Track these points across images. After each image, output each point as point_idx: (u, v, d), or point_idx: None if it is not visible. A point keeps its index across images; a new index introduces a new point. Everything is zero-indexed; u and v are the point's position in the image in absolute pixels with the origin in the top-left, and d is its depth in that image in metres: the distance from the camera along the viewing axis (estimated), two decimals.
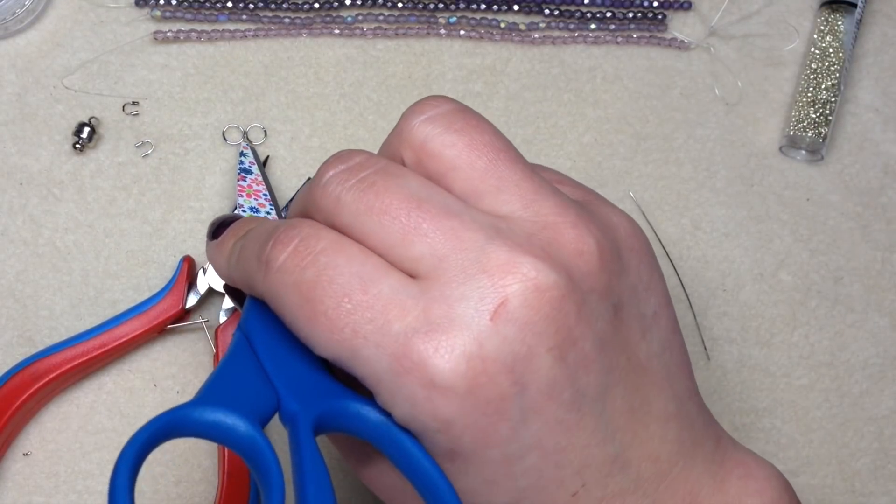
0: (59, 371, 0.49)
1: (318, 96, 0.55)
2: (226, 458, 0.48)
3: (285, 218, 0.41)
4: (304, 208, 0.37)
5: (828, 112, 0.55)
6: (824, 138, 0.55)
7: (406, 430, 0.35)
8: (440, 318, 0.33)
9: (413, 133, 0.36)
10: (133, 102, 0.54)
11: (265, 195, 0.52)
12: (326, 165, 0.37)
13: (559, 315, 0.34)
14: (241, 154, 0.53)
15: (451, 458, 0.35)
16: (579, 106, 0.56)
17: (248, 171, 0.52)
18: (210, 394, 0.35)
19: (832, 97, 0.55)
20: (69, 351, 0.49)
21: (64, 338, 0.51)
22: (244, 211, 0.51)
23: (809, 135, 0.55)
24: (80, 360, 0.49)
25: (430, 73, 0.56)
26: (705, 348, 0.53)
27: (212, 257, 0.41)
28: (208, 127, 0.54)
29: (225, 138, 0.54)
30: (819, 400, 0.53)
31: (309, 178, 0.54)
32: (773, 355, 0.53)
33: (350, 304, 0.34)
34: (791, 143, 0.55)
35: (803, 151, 0.55)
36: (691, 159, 0.55)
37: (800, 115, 0.55)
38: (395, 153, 0.37)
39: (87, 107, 0.54)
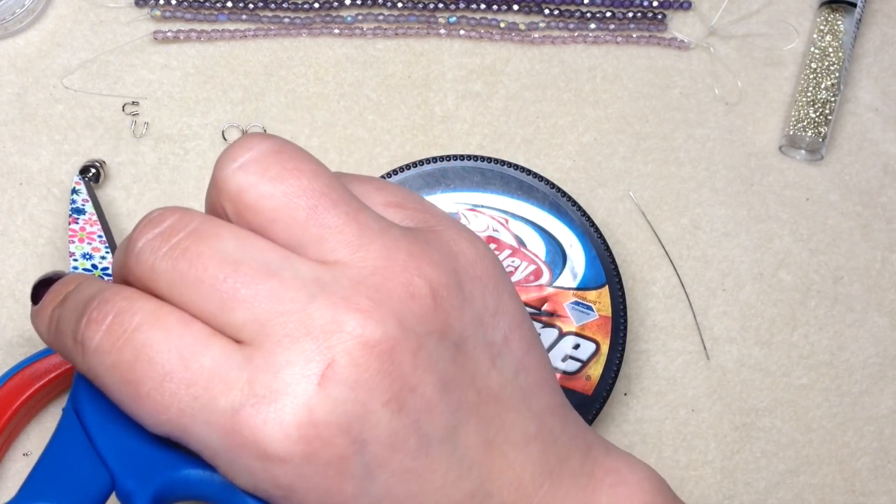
0: (59, 371, 0.49)
1: (318, 96, 0.55)
2: None
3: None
4: (122, 273, 0.35)
5: (827, 112, 0.55)
6: (824, 138, 0.55)
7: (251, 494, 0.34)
8: (266, 387, 0.32)
9: (228, 184, 0.34)
10: (133, 102, 0.54)
11: (100, 237, 0.48)
12: (138, 231, 0.34)
13: (391, 367, 0.33)
14: (73, 191, 0.48)
15: None
16: (579, 106, 0.56)
17: (81, 211, 0.47)
18: (32, 488, 0.34)
19: (832, 97, 0.55)
20: None
21: None
22: (75, 260, 0.48)
23: (809, 134, 0.55)
24: None
25: (430, 72, 0.56)
26: (705, 348, 0.53)
27: (34, 325, 0.38)
28: (208, 127, 0.54)
29: (225, 138, 0.54)
30: (819, 399, 0.53)
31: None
32: (773, 355, 0.53)
33: (173, 384, 0.33)
34: (791, 143, 0.55)
35: (803, 151, 0.55)
36: (691, 159, 0.55)
37: (799, 114, 0.55)
38: (216, 204, 0.35)
39: (87, 107, 0.54)
